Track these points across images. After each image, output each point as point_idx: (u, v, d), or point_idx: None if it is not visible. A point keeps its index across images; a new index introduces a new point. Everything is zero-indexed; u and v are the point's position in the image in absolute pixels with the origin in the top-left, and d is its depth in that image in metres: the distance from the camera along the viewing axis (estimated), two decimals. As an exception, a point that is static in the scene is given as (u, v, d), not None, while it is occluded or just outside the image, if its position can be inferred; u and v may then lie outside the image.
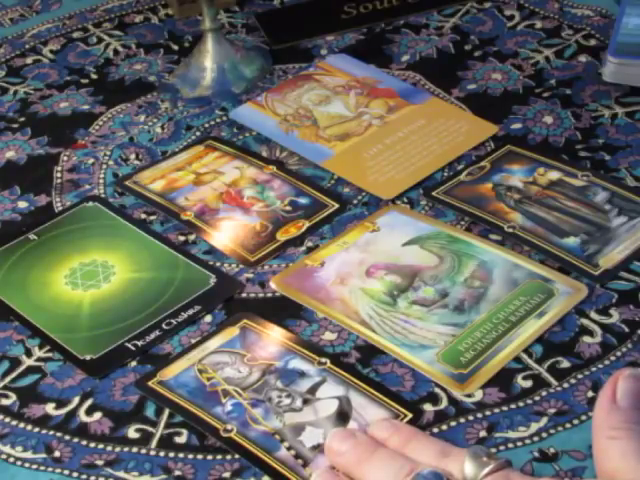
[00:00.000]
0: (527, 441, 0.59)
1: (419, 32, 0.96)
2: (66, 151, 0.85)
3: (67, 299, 0.71)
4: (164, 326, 0.68)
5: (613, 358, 0.64)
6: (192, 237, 0.76)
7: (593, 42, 0.93)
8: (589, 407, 0.61)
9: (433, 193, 0.77)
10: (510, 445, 0.59)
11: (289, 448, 0.59)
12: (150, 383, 0.64)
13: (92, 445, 0.61)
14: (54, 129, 0.88)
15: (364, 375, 0.64)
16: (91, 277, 0.73)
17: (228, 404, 0.62)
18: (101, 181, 0.82)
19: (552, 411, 0.61)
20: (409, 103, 0.87)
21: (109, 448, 0.61)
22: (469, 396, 0.62)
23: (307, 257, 0.73)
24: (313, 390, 0.63)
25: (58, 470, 0.60)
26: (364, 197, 0.78)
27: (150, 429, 0.62)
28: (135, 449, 0.61)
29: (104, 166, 0.83)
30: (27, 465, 0.60)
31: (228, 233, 0.76)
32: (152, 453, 0.60)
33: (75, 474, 0.60)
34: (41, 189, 0.81)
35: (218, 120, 0.87)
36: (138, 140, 0.86)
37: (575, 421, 0.60)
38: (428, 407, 0.62)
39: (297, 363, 0.65)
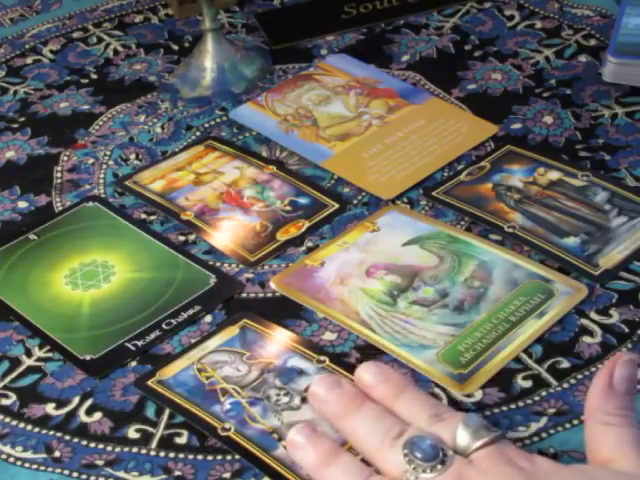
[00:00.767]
0: (527, 441, 0.59)
1: (419, 32, 0.96)
2: (66, 151, 0.85)
3: (67, 299, 0.71)
4: (164, 326, 0.68)
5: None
6: (192, 237, 0.76)
7: (593, 42, 0.93)
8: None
9: (433, 193, 0.77)
10: (510, 445, 0.59)
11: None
12: (149, 382, 0.64)
13: (92, 445, 0.61)
14: (54, 129, 0.88)
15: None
16: (91, 277, 0.73)
17: (227, 403, 0.62)
18: (101, 181, 0.82)
19: (552, 411, 0.61)
20: (409, 103, 0.87)
21: (109, 448, 0.61)
22: (469, 396, 0.62)
23: (307, 257, 0.73)
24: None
25: (58, 470, 0.60)
26: (364, 197, 0.78)
27: (150, 429, 0.62)
28: (135, 449, 0.61)
29: (104, 166, 0.83)
30: (27, 465, 0.60)
31: (228, 233, 0.76)
32: (152, 453, 0.60)
33: (75, 474, 0.60)
34: (41, 189, 0.81)
35: (218, 120, 0.88)
36: (138, 140, 0.86)
37: (575, 421, 0.60)
38: (428, 407, 0.62)
39: (296, 361, 0.65)
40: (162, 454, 0.60)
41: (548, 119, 0.84)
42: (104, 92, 0.92)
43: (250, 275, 0.72)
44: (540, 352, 0.65)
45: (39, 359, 0.67)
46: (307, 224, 0.76)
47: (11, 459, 0.61)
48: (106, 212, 0.78)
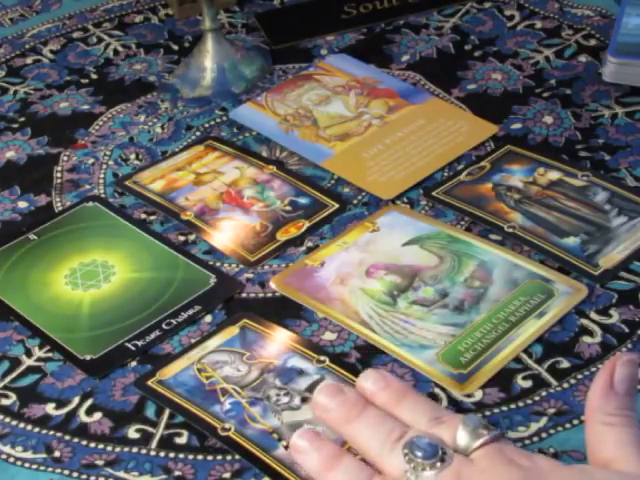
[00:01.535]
0: (527, 441, 0.59)
1: (419, 32, 0.96)
2: (66, 151, 0.85)
3: (67, 299, 0.71)
4: (164, 326, 0.68)
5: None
6: (192, 237, 0.76)
7: (593, 42, 0.93)
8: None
9: (433, 193, 0.77)
10: (510, 445, 0.59)
11: (287, 447, 0.59)
12: (149, 382, 0.64)
13: (92, 445, 0.61)
14: (54, 129, 0.88)
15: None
16: (91, 277, 0.73)
17: (227, 403, 0.62)
18: (101, 181, 0.82)
19: (552, 411, 0.61)
20: (409, 103, 0.87)
21: (109, 448, 0.61)
22: (469, 396, 0.62)
23: (307, 257, 0.73)
24: (312, 388, 0.62)
25: (58, 470, 0.60)
26: (364, 197, 0.78)
27: (150, 429, 0.62)
28: (135, 449, 0.61)
29: (104, 166, 0.83)
30: (27, 465, 0.60)
31: (228, 233, 0.76)
32: (152, 453, 0.60)
33: (75, 474, 0.60)
34: (41, 189, 0.81)
35: (218, 120, 0.88)
36: (138, 140, 0.86)
37: (575, 421, 0.60)
38: (428, 407, 0.61)
39: (296, 361, 0.65)
40: (162, 454, 0.60)
41: (548, 119, 0.84)
42: (104, 92, 0.92)
43: (250, 275, 0.72)
44: (540, 352, 0.65)
45: (39, 359, 0.67)
46: (307, 224, 0.76)
47: (11, 459, 0.61)
48: (106, 212, 0.78)
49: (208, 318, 0.69)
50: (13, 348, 0.68)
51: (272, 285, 0.71)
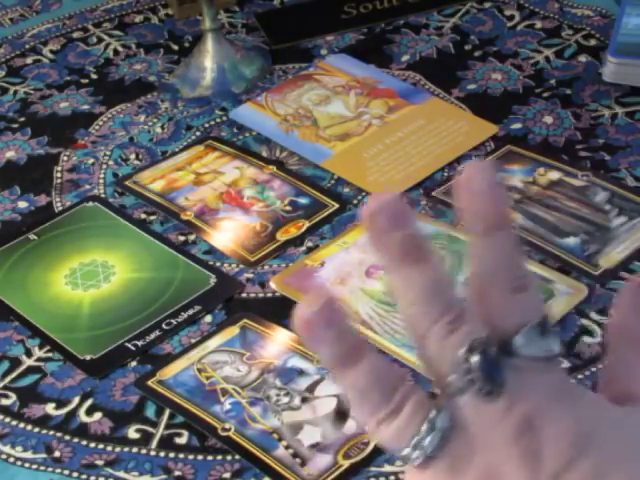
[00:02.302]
0: (527, 441, 0.59)
1: (419, 32, 0.96)
2: (66, 151, 0.85)
3: (67, 299, 0.71)
4: (164, 326, 0.68)
5: (613, 358, 0.64)
6: (192, 237, 0.76)
7: (593, 42, 0.93)
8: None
9: (433, 193, 0.77)
10: (510, 445, 0.59)
11: (287, 447, 0.59)
12: (149, 382, 0.64)
13: (92, 445, 0.61)
14: (54, 129, 0.88)
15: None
16: (91, 277, 0.73)
17: (227, 403, 0.62)
18: (101, 181, 0.82)
19: (552, 411, 0.61)
20: (409, 103, 0.87)
21: (109, 448, 0.61)
22: (469, 396, 0.62)
23: (307, 257, 0.73)
24: (312, 388, 0.63)
25: (58, 470, 0.60)
26: (364, 197, 0.78)
27: (150, 429, 0.62)
28: (135, 449, 0.61)
29: (104, 166, 0.83)
30: (27, 465, 0.60)
31: (228, 233, 0.76)
32: (152, 453, 0.60)
33: (75, 474, 0.60)
34: (41, 189, 0.81)
35: (218, 120, 0.87)
36: (138, 140, 0.86)
37: (575, 421, 0.60)
38: (428, 407, 0.61)
39: (296, 361, 0.65)
40: (162, 454, 0.60)
41: (548, 119, 0.84)
42: (104, 92, 0.92)
43: (250, 275, 0.72)
44: (540, 352, 0.64)
45: (39, 359, 0.67)
46: (307, 224, 0.76)
47: (11, 459, 0.61)
48: (106, 212, 0.78)
49: (208, 318, 0.69)
50: (13, 348, 0.68)
51: (272, 285, 0.71)
